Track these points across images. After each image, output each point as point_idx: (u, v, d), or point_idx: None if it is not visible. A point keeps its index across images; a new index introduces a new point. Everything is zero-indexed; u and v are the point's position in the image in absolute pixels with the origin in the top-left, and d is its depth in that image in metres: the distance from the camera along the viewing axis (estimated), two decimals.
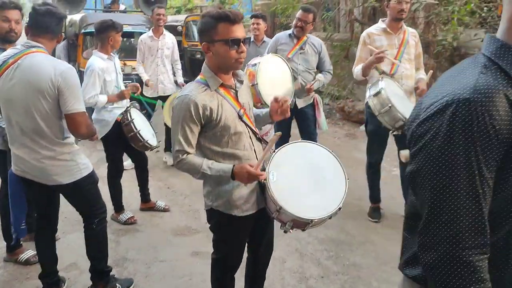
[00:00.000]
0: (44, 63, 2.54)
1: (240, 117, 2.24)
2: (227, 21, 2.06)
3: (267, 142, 2.38)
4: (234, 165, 2.16)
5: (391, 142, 4.26)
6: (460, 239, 1.09)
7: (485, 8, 6.80)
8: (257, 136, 2.37)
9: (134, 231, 4.06)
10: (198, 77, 2.25)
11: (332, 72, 4.62)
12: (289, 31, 4.53)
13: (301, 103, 4.47)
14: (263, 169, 2.26)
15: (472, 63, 1.17)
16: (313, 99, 4.59)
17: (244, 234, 2.43)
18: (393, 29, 3.85)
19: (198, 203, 4.63)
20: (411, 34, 3.92)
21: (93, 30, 6.93)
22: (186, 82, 6.37)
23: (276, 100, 2.35)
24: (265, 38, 5.37)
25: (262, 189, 2.31)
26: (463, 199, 1.09)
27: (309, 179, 2.30)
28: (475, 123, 1.05)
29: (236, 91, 2.28)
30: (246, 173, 2.11)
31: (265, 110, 2.49)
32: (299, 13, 4.37)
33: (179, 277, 3.31)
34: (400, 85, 3.71)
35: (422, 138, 1.15)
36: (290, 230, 2.25)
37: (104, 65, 3.88)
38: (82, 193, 2.90)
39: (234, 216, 2.28)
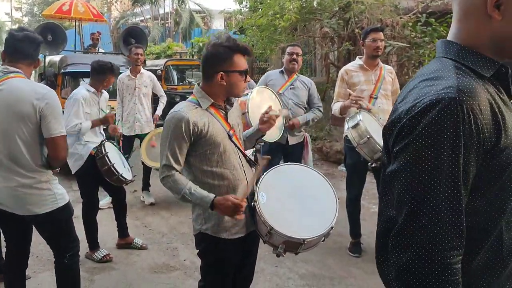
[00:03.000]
0: (24, 88, 2.50)
1: (230, 137, 2.27)
2: (243, 53, 2.19)
3: (256, 163, 2.40)
4: (215, 196, 2.14)
5: (368, 181, 4.32)
6: (440, 241, 1.06)
7: None
8: (247, 157, 2.38)
9: (110, 269, 3.91)
10: (189, 97, 2.30)
11: (321, 109, 4.64)
12: (280, 69, 4.66)
13: (292, 140, 4.49)
14: (252, 193, 2.25)
15: (443, 67, 1.15)
16: (304, 138, 4.63)
17: (232, 258, 2.35)
18: (369, 65, 3.98)
19: (176, 241, 4.54)
20: (388, 71, 4.06)
21: (73, 70, 7.05)
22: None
23: (265, 113, 2.43)
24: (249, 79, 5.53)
25: (252, 212, 2.29)
26: (445, 200, 1.06)
27: (300, 200, 2.31)
28: (461, 121, 1.03)
29: (226, 112, 2.32)
30: (231, 205, 2.10)
31: (252, 128, 2.54)
32: (289, 49, 4.51)
33: None
34: (377, 119, 3.80)
35: (404, 138, 1.10)
36: (283, 253, 2.22)
37: (88, 96, 3.90)
38: (56, 224, 2.78)
39: (223, 239, 2.24)
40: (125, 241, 4.34)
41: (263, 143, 3.86)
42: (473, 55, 1.15)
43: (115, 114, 5.27)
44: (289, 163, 2.60)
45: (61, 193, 2.78)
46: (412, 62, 7.00)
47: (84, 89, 3.97)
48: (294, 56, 4.46)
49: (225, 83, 2.20)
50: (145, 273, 3.85)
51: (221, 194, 2.21)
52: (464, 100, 1.04)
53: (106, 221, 4.69)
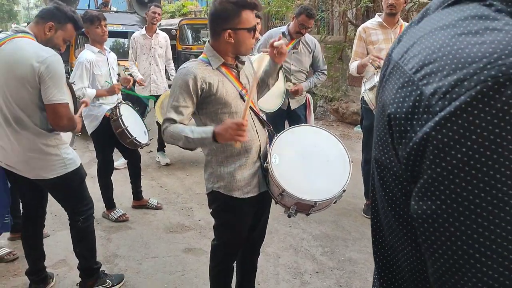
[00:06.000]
0: (26, 48, 2.44)
1: (242, 97, 2.21)
2: (251, 8, 2.09)
3: (270, 124, 2.35)
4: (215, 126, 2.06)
5: None
6: None
7: None
8: (259, 117, 2.33)
9: (126, 228, 3.98)
10: (200, 56, 2.24)
11: (326, 73, 4.47)
12: (283, 29, 4.33)
13: (294, 104, 4.34)
14: (265, 155, 2.26)
15: (475, 16, 0.59)
16: (306, 99, 4.51)
17: (245, 218, 2.34)
18: (389, 23, 3.81)
19: (191, 202, 4.58)
20: None
21: None
22: None
23: (271, 45, 2.33)
24: (260, 37, 5.36)
25: (265, 173, 2.27)
26: None
27: (312, 162, 2.28)
28: None
29: (238, 71, 2.26)
30: (232, 125, 1.95)
31: (267, 65, 2.47)
32: (303, 18, 4.06)
33: (171, 273, 3.24)
34: None
35: (448, 147, 0.53)
36: (294, 214, 2.22)
37: (93, 58, 3.83)
38: (67, 189, 2.77)
39: (235, 198, 2.23)
40: (139, 203, 4.40)
41: (265, 113, 3.74)
42: None
43: (129, 74, 5.21)
44: (302, 124, 2.54)
45: (71, 157, 2.74)
46: None
47: (87, 51, 3.89)
48: (303, 29, 4.11)
49: (232, 41, 2.12)
50: (160, 232, 3.91)
51: (233, 154, 2.19)
52: None
53: (121, 181, 4.74)
